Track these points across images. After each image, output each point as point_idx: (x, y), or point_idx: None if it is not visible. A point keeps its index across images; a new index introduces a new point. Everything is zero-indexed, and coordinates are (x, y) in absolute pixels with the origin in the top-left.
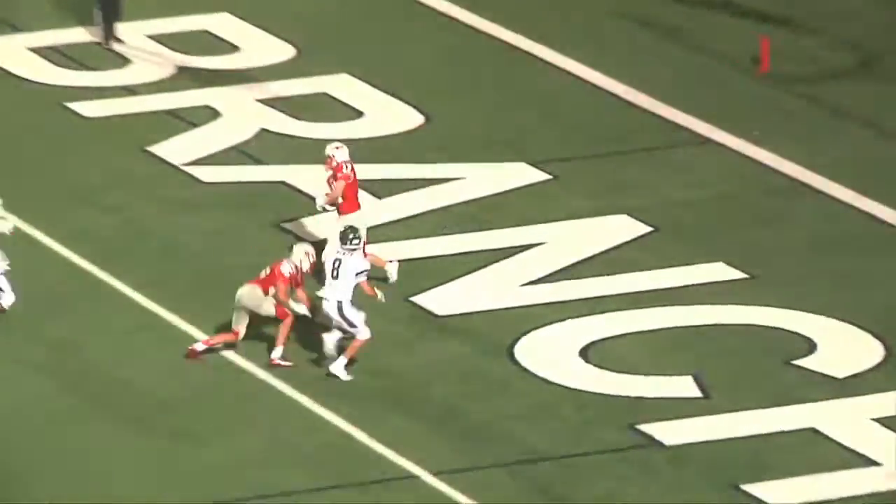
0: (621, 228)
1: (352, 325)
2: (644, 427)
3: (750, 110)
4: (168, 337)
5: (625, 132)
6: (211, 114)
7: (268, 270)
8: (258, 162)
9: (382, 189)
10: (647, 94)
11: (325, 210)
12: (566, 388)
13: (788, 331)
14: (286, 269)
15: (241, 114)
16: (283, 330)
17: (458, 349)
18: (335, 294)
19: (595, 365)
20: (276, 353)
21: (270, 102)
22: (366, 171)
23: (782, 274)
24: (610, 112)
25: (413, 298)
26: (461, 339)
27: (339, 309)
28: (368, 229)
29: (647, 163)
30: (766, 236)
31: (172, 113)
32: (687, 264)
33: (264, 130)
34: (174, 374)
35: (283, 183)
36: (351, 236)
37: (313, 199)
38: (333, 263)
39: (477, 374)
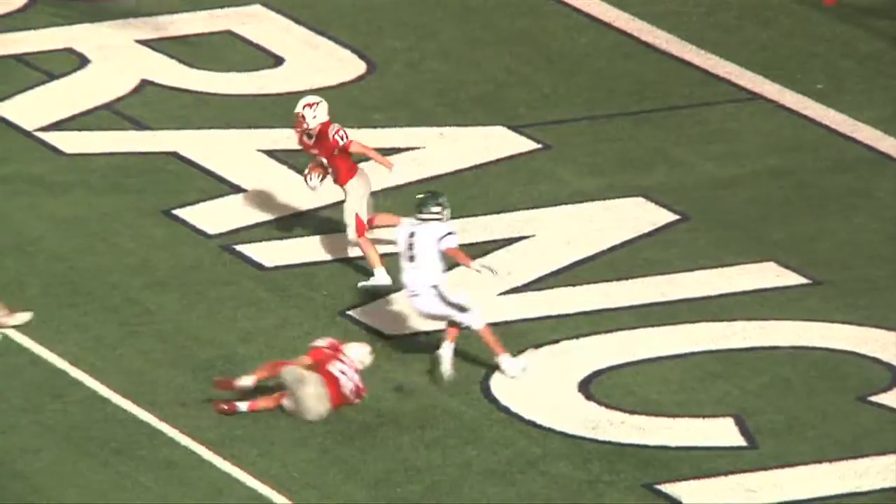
0: (636, 216)
1: (462, 308)
2: (665, 488)
3: (811, 55)
4: (15, 364)
5: (641, 85)
6: (75, 60)
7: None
8: (139, 126)
9: (308, 162)
10: (672, 33)
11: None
12: (560, 434)
13: (863, 355)
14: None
15: (116, 60)
16: None
17: (413, 381)
18: (424, 278)
19: (600, 402)
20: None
21: (155, 44)
22: (287, 137)
23: (854, 279)
24: (621, 58)
25: (351, 312)
26: (418, 368)
27: (439, 294)
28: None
29: (670, 127)
30: (832, 227)
31: (22, 59)
32: (725, 265)
33: (147, 83)
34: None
35: (173, 154)
36: (433, 202)
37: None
38: (407, 240)
39: (439, 415)
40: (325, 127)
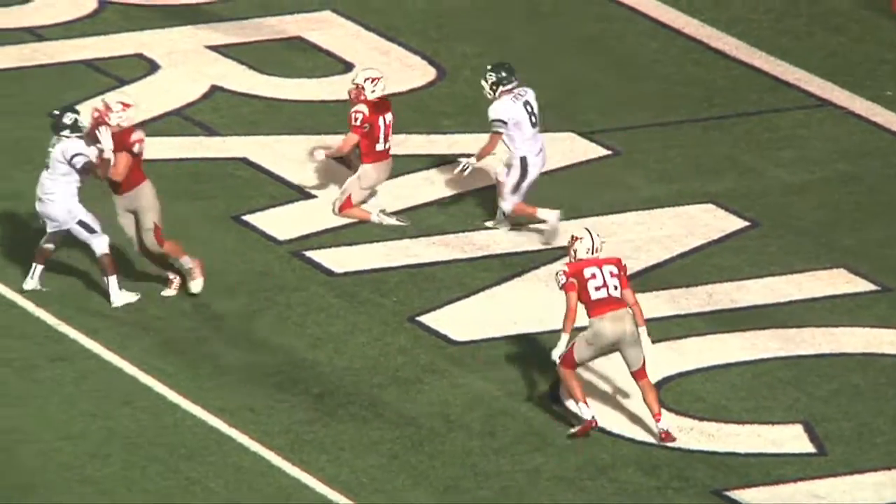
0: (706, 222)
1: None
2: (735, 494)
3: (880, 62)
4: (84, 370)
5: (711, 91)
6: (145, 66)
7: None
8: (209, 132)
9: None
10: (742, 40)
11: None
12: (629, 440)
13: None
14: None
15: (187, 66)
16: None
17: (481, 387)
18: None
19: (669, 409)
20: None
21: (225, 50)
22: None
23: None
24: (691, 65)
25: (420, 318)
26: (485, 374)
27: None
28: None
29: (740, 133)
30: None
31: (92, 65)
32: (795, 271)
33: (217, 89)
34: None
35: (243, 160)
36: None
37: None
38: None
39: (506, 421)
40: (359, 102)
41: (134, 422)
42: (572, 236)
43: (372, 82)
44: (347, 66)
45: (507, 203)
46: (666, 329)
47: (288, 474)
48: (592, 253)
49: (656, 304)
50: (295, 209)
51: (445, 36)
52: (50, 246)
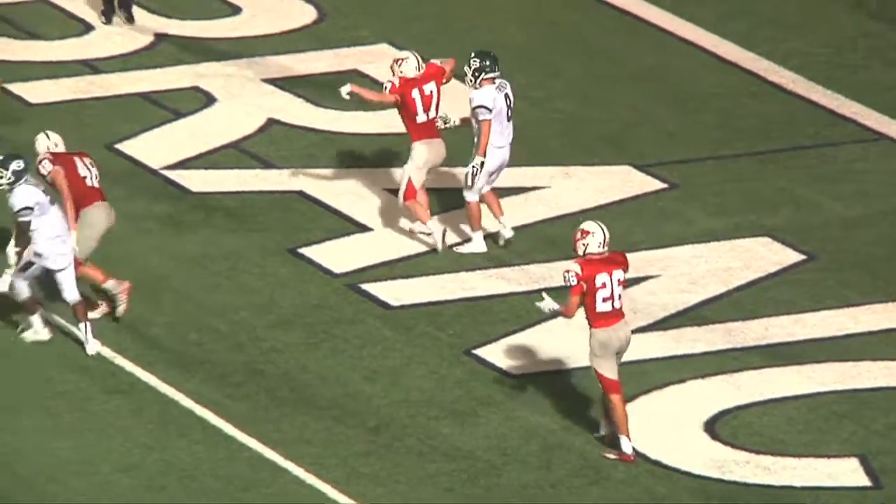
0: (762, 256)
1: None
2: None
3: None
4: (140, 402)
5: (767, 125)
6: (202, 99)
7: None
8: (265, 164)
9: (437, 203)
10: (799, 73)
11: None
12: (686, 473)
13: None
14: None
15: (243, 99)
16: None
17: (538, 420)
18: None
19: (725, 442)
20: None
21: (282, 83)
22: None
23: None
24: (747, 98)
25: (476, 351)
26: (542, 408)
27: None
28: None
29: (797, 167)
30: None
31: (149, 98)
32: (852, 305)
33: (274, 121)
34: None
35: (299, 193)
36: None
37: (338, 212)
38: None
39: (564, 455)
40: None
41: (189, 454)
42: (581, 230)
43: (397, 63)
44: None
45: (469, 195)
46: (722, 362)
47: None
48: (604, 247)
49: (713, 337)
50: (351, 242)
51: (502, 67)
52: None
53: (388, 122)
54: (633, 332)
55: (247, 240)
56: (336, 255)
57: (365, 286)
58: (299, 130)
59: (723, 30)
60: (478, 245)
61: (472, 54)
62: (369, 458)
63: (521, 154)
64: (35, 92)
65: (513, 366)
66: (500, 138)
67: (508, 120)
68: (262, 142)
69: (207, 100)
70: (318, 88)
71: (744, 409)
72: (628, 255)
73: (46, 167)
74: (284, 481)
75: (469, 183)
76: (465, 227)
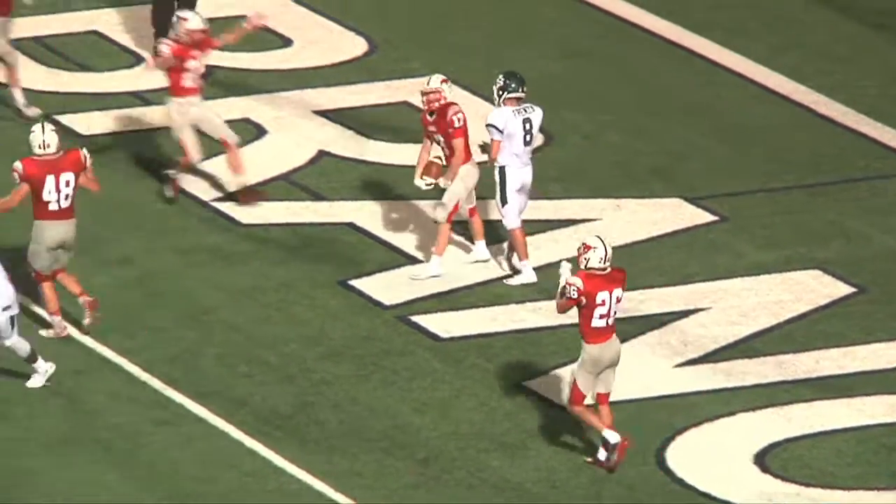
0: (812, 289)
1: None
2: None
3: None
4: (189, 434)
5: (817, 157)
6: (252, 131)
7: None
8: (316, 196)
9: (488, 233)
10: (849, 106)
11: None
12: None
13: None
14: None
15: (293, 131)
16: None
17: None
18: None
19: (775, 475)
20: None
21: (332, 115)
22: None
23: None
24: (797, 130)
25: (526, 383)
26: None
27: None
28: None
29: (847, 199)
30: None
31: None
32: None
33: (324, 153)
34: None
35: (349, 225)
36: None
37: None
38: None
39: (613, 487)
40: (447, 106)
41: (240, 486)
42: (584, 244)
43: (448, 84)
44: None
45: (507, 220)
46: (772, 395)
47: None
48: (605, 262)
49: (763, 369)
50: (401, 274)
51: (551, 101)
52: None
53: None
54: (684, 364)
55: (297, 272)
56: (386, 287)
57: (415, 318)
58: (350, 162)
59: (773, 62)
60: (528, 276)
61: (501, 74)
62: (418, 491)
63: (572, 186)
64: (86, 124)
65: (563, 398)
66: (514, 160)
67: (526, 144)
68: (313, 174)
69: (258, 132)
70: (368, 120)
71: (794, 441)
72: (681, 288)
73: (14, 177)
74: (322, 502)
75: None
76: (514, 260)
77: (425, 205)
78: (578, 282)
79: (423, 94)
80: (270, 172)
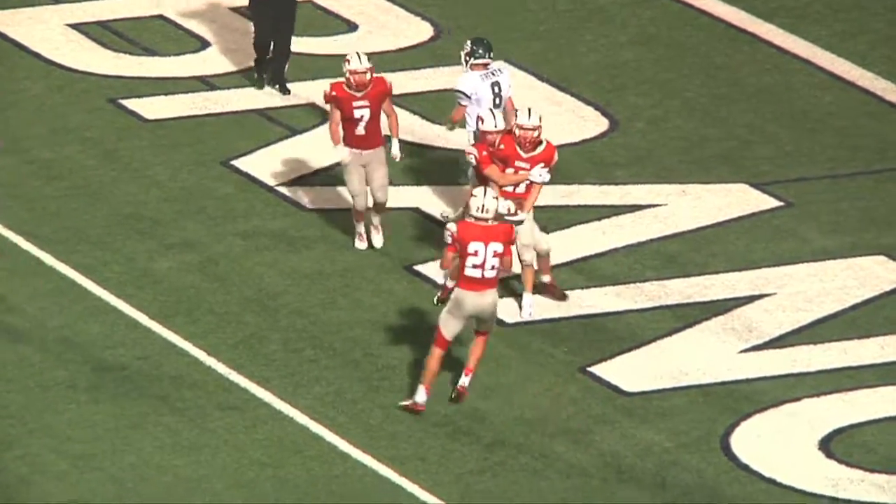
0: (878, 274)
1: None
2: None
3: None
4: (255, 418)
5: (884, 144)
6: (317, 115)
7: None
8: None
9: (551, 219)
10: None
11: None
12: (802, 492)
13: None
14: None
15: None
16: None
17: (653, 438)
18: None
19: (840, 461)
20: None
21: (396, 99)
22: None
23: None
24: (864, 117)
25: (591, 369)
26: (657, 426)
27: None
28: None
29: None
30: None
31: (265, 114)
32: None
33: (388, 138)
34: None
35: (414, 210)
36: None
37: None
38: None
39: (679, 473)
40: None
41: (305, 471)
42: (470, 193)
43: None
44: None
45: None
46: (837, 381)
47: None
48: (482, 213)
49: (828, 355)
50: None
51: (618, 87)
52: None
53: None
54: (749, 350)
55: (362, 256)
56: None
57: None
58: (415, 147)
59: (840, 49)
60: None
61: (468, 40)
62: (483, 476)
63: (638, 172)
64: (150, 108)
65: (628, 383)
66: (481, 125)
67: (496, 107)
68: None
69: (323, 117)
70: (434, 105)
71: (858, 427)
72: (746, 273)
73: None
74: (399, 498)
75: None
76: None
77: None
78: (453, 227)
79: (525, 128)
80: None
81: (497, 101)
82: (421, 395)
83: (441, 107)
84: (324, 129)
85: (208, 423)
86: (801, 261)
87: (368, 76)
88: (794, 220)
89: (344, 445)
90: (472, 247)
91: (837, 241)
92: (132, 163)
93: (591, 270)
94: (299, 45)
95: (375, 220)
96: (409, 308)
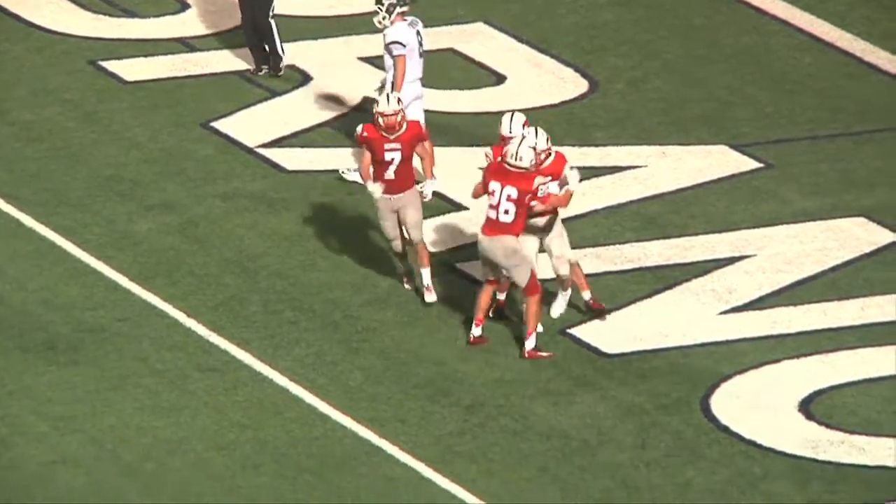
0: (858, 236)
1: None
2: None
3: None
4: (235, 380)
5: (864, 105)
6: (297, 77)
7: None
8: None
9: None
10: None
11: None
12: (780, 453)
13: None
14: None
15: (338, 78)
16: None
17: (633, 400)
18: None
19: (820, 422)
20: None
21: (378, 62)
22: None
23: None
24: (844, 78)
25: (571, 331)
26: (637, 387)
27: None
28: None
29: (893, 147)
30: None
31: (244, 76)
32: None
33: (370, 100)
34: None
35: None
36: None
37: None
38: None
39: (659, 434)
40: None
41: (284, 432)
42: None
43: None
44: (500, 78)
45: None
46: (817, 342)
47: (438, 485)
48: (511, 158)
49: (808, 317)
50: (447, 221)
51: (598, 48)
52: None
53: (485, 101)
54: (728, 311)
55: (342, 218)
56: (431, 235)
57: (460, 265)
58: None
59: (819, 10)
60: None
61: None
62: (464, 438)
63: (618, 133)
64: (130, 70)
65: (608, 345)
66: (411, 74)
67: (420, 56)
68: (358, 120)
69: (303, 78)
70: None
71: (839, 389)
72: (726, 235)
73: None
74: (378, 460)
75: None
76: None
77: (470, 151)
78: (489, 151)
79: (385, 115)
80: (316, 119)
81: (421, 50)
82: (476, 330)
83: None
84: (304, 91)
85: (188, 384)
86: (781, 222)
87: (398, 118)
88: (774, 181)
89: (324, 407)
90: (492, 185)
91: (817, 202)
92: (112, 125)
93: (570, 232)
94: (280, 6)
95: (426, 278)
96: (389, 270)
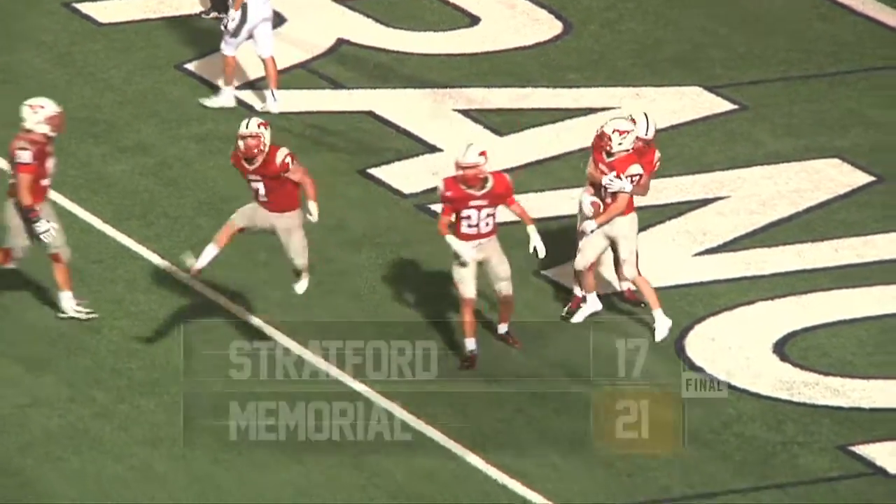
0: (831, 177)
1: None
2: (860, 449)
3: None
4: (208, 325)
5: (837, 46)
6: (272, 19)
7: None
8: (335, 85)
9: (505, 123)
10: None
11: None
12: (754, 395)
13: None
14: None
15: (312, 18)
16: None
17: (605, 340)
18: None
19: (794, 364)
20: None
21: (352, 3)
22: (482, 97)
23: None
24: (817, 19)
25: (546, 272)
26: (610, 328)
27: None
28: None
29: (866, 88)
30: None
31: (217, 18)
32: None
33: (343, 42)
34: None
35: (369, 114)
36: None
37: (408, 133)
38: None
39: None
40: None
41: (255, 372)
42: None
43: (620, 135)
44: (474, 20)
45: (227, 48)
46: (791, 284)
47: (412, 426)
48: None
49: (782, 258)
50: (420, 163)
51: None
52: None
53: (459, 43)
54: (703, 253)
55: (316, 160)
56: (406, 176)
57: (435, 207)
58: (369, 50)
59: None
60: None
61: None
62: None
63: (592, 75)
64: (105, 12)
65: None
66: None
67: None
68: (332, 62)
69: (278, 20)
70: (388, 8)
71: (813, 330)
72: (700, 176)
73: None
74: (355, 401)
75: (228, 32)
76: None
77: (445, 93)
78: (443, 186)
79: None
80: (290, 61)
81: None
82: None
83: (394, 9)
84: (277, 33)
85: (162, 327)
86: (755, 164)
87: (257, 141)
88: (748, 122)
89: (297, 348)
90: (465, 212)
91: (791, 144)
92: (86, 66)
93: (545, 173)
94: None
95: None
96: (363, 212)
